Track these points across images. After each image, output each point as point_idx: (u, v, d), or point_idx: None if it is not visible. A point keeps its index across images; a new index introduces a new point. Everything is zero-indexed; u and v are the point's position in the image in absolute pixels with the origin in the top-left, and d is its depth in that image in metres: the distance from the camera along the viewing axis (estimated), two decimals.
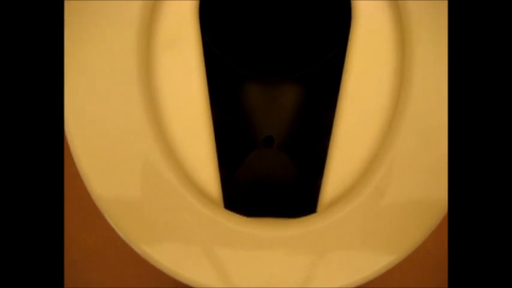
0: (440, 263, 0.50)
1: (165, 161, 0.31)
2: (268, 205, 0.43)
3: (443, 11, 0.30)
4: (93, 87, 0.31)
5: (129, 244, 0.32)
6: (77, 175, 0.32)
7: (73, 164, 0.32)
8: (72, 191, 0.46)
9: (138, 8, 0.30)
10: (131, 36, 0.30)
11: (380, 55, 0.32)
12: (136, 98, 0.31)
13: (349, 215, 0.32)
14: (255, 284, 0.32)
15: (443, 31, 0.30)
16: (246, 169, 0.45)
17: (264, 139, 0.45)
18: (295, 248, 0.32)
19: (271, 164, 0.45)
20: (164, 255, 0.32)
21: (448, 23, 0.30)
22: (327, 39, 0.43)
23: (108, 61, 0.31)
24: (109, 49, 0.31)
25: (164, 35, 0.32)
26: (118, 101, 0.31)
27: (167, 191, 0.32)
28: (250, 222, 0.32)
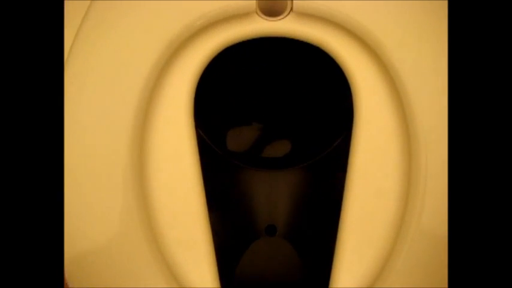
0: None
1: (155, 258, 0.29)
2: None
3: (442, 88, 0.29)
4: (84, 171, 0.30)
5: None
6: None
7: None
8: None
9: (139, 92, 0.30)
10: (128, 118, 0.30)
11: (385, 137, 0.31)
12: (127, 188, 0.30)
13: None
14: None
15: (444, 107, 0.29)
16: (247, 262, 0.43)
17: (266, 228, 0.43)
18: None
19: (274, 254, 0.43)
20: None
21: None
22: (330, 129, 0.42)
23: (101, 142, 0.30)
24: (105, 126, 0.30)
25: (158, 132, 0.31)
26: (108, 188, 0.30)
27: None
28: None
